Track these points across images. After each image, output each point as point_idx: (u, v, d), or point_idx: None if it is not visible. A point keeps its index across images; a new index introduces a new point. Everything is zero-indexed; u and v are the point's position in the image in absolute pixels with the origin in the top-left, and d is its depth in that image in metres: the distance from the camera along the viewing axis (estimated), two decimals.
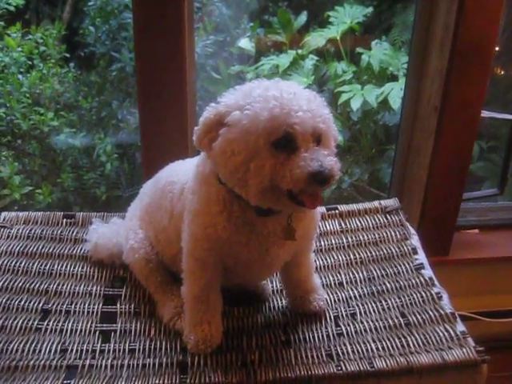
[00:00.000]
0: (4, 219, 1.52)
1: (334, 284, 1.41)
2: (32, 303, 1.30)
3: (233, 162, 1.01)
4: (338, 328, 1.27)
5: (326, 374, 1.12)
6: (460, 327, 1.25)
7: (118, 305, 1.33)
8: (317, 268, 1.45)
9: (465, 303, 1.91)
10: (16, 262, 1.40)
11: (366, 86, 2.61)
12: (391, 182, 1.96)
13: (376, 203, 1.63)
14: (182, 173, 1.23)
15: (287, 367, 1.14)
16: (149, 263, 1.31)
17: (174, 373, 1.13)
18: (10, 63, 2.78)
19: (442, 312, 1.28)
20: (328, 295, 1.36)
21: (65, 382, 1.09)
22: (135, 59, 1.52)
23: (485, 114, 1.71)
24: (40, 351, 1.18)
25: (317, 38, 2.75)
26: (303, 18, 2.83)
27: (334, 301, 1.35)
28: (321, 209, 1.62)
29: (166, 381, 1.09)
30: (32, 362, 1.14)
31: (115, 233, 1.41)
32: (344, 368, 1.13)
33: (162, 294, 1.30)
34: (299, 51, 2.78)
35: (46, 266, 1.41)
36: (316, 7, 2.95)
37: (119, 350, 1.20)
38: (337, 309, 1.33)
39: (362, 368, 1.13)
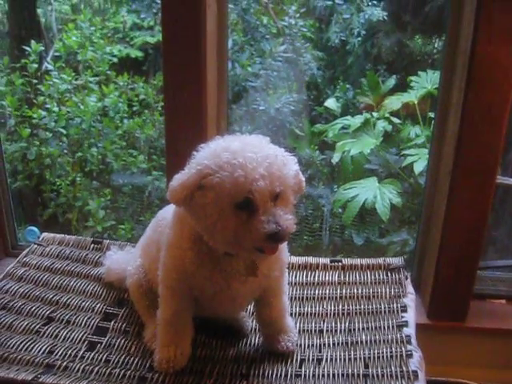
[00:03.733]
0: (42, 239, 1.77)
1: (314, 331, 1.47)
2: (41, 310, 1.52)
3: (203, 222, 1.17)
4: (299, 370, 1.33)
5: None
6: None
7: (113, 322, 1.50)
8: (302, 314, 1.53)
9: (480, 374, 1.86)
10: (40, 276, 1.64)
11: None
12: (416, 243, 1.99)
13: (380, 260, 1.67)
14: (173, 210, 1.39)
15: None
16: (139, 288, 1.47)
17: None
18: (109, 108, 3.14)
19: (404, 369, 1.30)
20: (303, 340, 1.43)
21: (38, 375, 1.26)
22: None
23: (501, 180, 1.72)
24: (31, 350, 1.38)
25: (393, 101, 2.82)
26: (392, 81, 2.90)
27: (308, 346, 1.42)
28: (325, 260, 1.70)
29: None
30: (20, 356, 1.34)
31: (126, 260, 1.59)
32: None
33: (148, 316, 1.44)
34: (374, 113, 2.85)
35: (64, 281, 1.63)
36: (410, 71, 2.98)
37: (96, 359, 1.36)
38: (305, 353, 1.39)
39: None
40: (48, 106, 2.99)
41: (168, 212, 1.39)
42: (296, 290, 1.61)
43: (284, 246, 1.32)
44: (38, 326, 1.46)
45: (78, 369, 1.31)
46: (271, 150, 1.19)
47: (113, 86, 3.08)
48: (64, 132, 3.01)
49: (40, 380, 1.25)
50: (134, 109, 3.20)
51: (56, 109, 3.00)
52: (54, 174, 3.06)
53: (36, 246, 1.76)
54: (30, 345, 1.39)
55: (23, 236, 2.35)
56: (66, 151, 3.05)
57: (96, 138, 3.07)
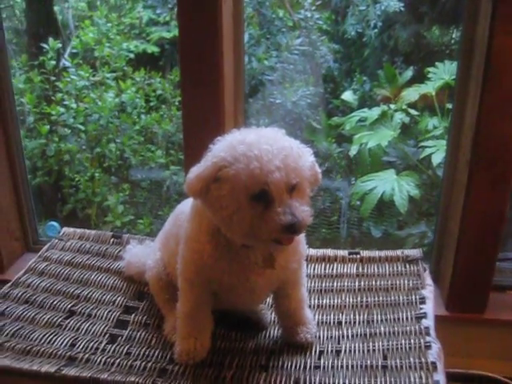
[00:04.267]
0: (63, 233, 1.80)
1: (333, 322, 1.48)
2: (63, 304, 1.55)
3: (220, 214, 1.17)
4: (318, 361, 1.34)
5: None
6: (437, 377, 1.27)
7: (133, 315, 1.52)
8: (321, 306, 1.54)
9: (499, 366, 1.86)
10: (61, 270, 1.67)
11: None
12: (435, 234, 1.98)
13: (399, 252, 1.67)
14: (191, 203, 1.40)
15: None
16: (159, 281, 1.49)
17: (151, 376, 1.28)
18: (126, 104, 3.16)
19: (423, 360, 1.31)
20: (322, 331, 1.44)
21: (61, 368, 1.29)
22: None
23: None
24: (54, 342, 1.41)
25: (411, 93, 2.80)
26: (409, 73, 2.88)
27: (326, 337, 1.43)
28: (343, 252, 1.70)
29: (140, 380, 1.25)
30: (43, 349, 1.37)
31: (146, 254, 1.61)
32: None
33: (168, 309, 1.46)
34: (392, 105, 2.84)
35: (84, 275, 1.66)
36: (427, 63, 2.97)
37: (118, 351, 1.38)
38: (324, 345, 1.40)
39: None
40: (66, 102, 3.01)
41: (186, 206, 1.40)
42: (314, 283, 1.62)
43: (302, 238, 1.33)
44: (59, 320, 1.49)
45: (100, 361, 1.34)
46: (286, 142, 1.20)
47: (130, 81, 3.10)
48: (82, 128, 3.03)
49: (62, 372, 1.28)
50: (152, 104, 3.21)
51: (74, 105, 3.03)
52: (73, 169, 3.09)
53: (57, 240, 1.79)
54: (52, 338, 1.42)
55: (44, 231, 2.39)
56: (84, 147, 3.08)
57: (114, 134, 3.09)
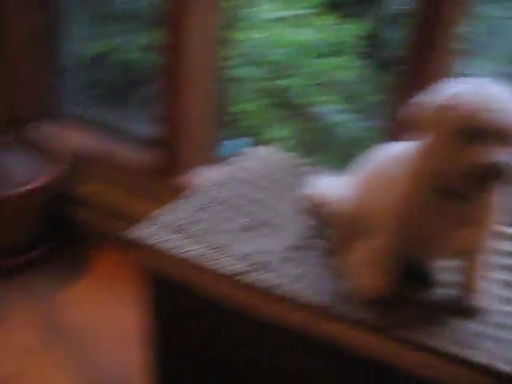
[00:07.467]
0: (251, 150, 1.88)
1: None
2: (238, 217, 1.61)
3: (424, 139, 1.22)
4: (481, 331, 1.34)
5: None
6: None
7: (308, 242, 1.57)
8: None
9: None
10: (240, 187, 1.73)
11: None
12: None
13: None
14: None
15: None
16: (344, 217, 1.50)
17: None
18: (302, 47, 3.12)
19: None
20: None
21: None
22: None
23: None
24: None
25: None
26: None
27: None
28: None
29: None
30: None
31: (335, 187, 1.60)
32: None
33: (342, 247, 1.50)
34: None
35: (263, 195, 1.70)
36: None
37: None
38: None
39: None
40: None
41: (391, 149, 1.42)
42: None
43: None
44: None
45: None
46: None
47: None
48: None
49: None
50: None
51: None
52: None
53: (242, 156, 1.84)
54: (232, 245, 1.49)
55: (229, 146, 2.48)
56: None
57: None
